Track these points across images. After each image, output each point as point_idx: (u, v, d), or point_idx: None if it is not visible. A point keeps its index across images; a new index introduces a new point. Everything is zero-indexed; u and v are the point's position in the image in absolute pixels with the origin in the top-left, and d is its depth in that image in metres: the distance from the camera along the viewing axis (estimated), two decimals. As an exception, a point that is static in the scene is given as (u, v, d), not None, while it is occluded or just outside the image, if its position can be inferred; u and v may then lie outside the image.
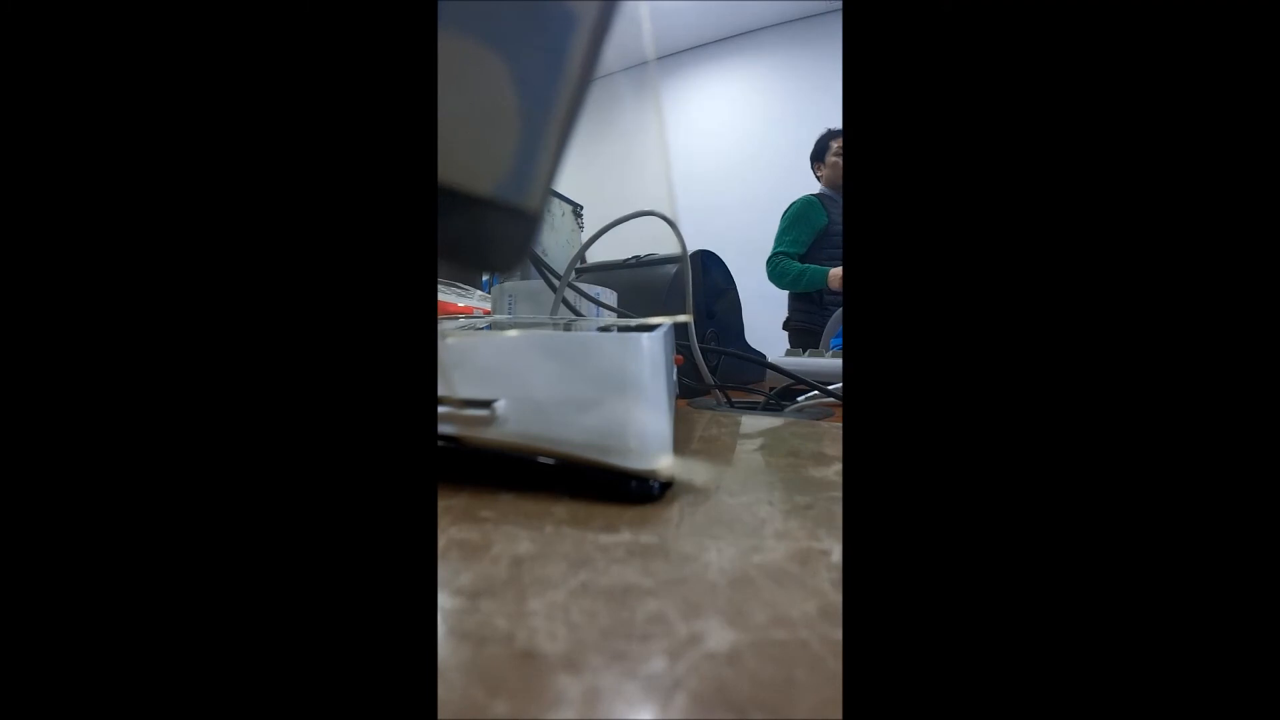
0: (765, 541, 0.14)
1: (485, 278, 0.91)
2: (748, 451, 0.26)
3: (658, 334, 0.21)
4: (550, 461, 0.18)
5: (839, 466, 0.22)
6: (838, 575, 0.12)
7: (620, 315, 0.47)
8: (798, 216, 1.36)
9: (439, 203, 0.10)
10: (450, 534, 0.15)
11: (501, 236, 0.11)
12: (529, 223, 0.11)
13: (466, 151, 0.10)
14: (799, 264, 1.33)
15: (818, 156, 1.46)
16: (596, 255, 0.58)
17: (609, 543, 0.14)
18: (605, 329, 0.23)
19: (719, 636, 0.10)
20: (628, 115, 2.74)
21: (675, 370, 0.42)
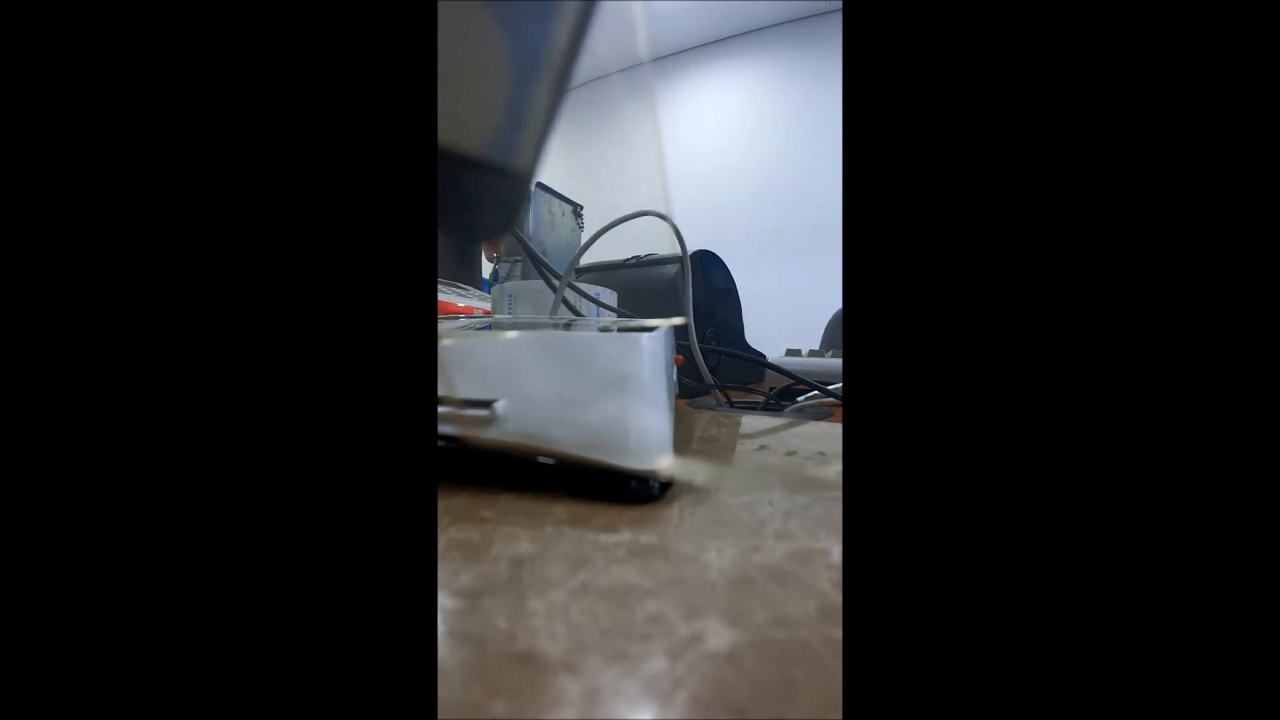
0: (765, 541, 0.14)
1: (485, 276, 0.91)
2: (748, 451, 0.26)
3: (657, 334, 0.21)
4: (550, 461, 0.18)
5: (839, 466, 0.22)
6: (838, 575, 0.12)
7: (620, 315, 0.47)
8: None
9: None
10: (450, 534, 0.15)
11: (490, 198, 0.10)
12: (518, 185, 0.11)
13: (453, 106, 0.09)
14: None
15: None
16: (596, 255, 0.58)
17: (609, 543, 0.14)
18: (605, 329, 0.23)
19: (719, 636, 0.10)
20: (625, 115, 2.74)
21: (675, 370, 0.42)
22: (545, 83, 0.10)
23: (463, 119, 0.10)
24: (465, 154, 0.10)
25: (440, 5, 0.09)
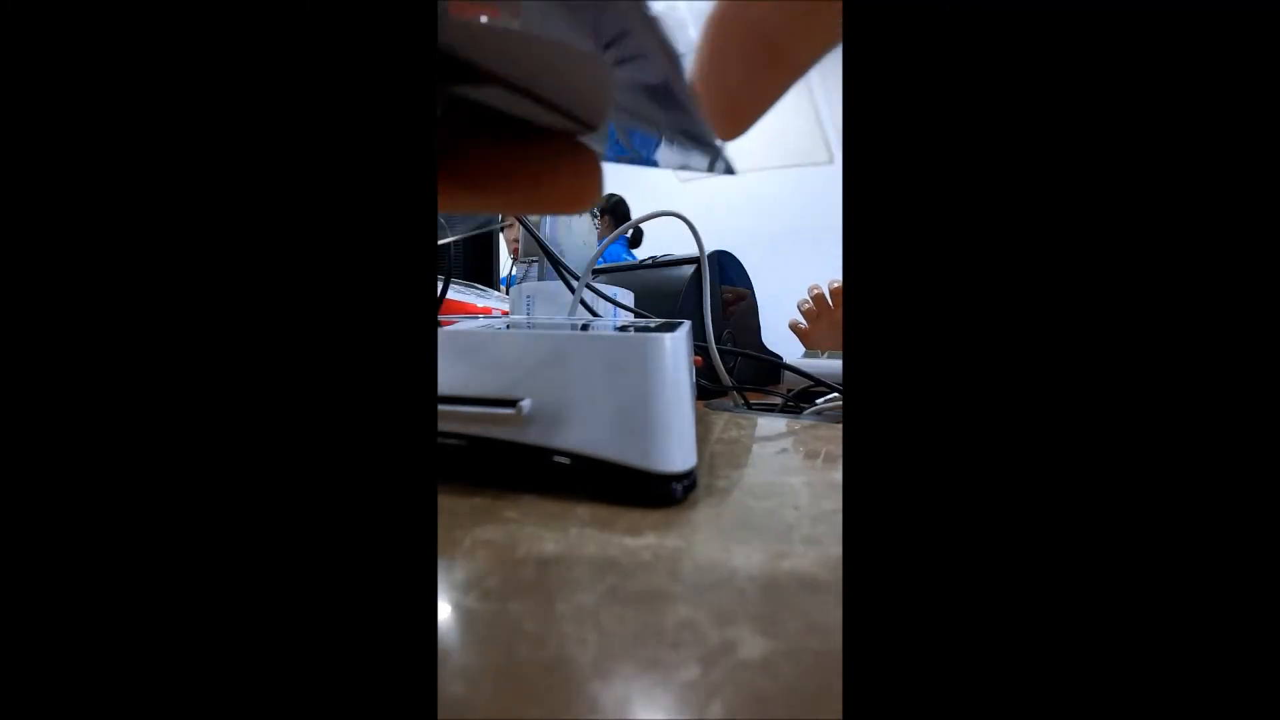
0: (794, 547, 0.14)
1: (503, 275, 0.92)
2: (769, 455, 0.26)
3: (679, 334, 0.21)
4: (569, 461, 0.18)
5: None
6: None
7: (637, 316, 0.47)
8: None
9: None
10: (475, 534, 0.15)
11: None
12: None
13: None
14: None
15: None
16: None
17: (634, 546, 0.14)
18: (623, 329, 0.22)
19: (752, 645, 0.10)
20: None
21: (694, 371, 0.42)
22: None
23: None
24: None
25: None
